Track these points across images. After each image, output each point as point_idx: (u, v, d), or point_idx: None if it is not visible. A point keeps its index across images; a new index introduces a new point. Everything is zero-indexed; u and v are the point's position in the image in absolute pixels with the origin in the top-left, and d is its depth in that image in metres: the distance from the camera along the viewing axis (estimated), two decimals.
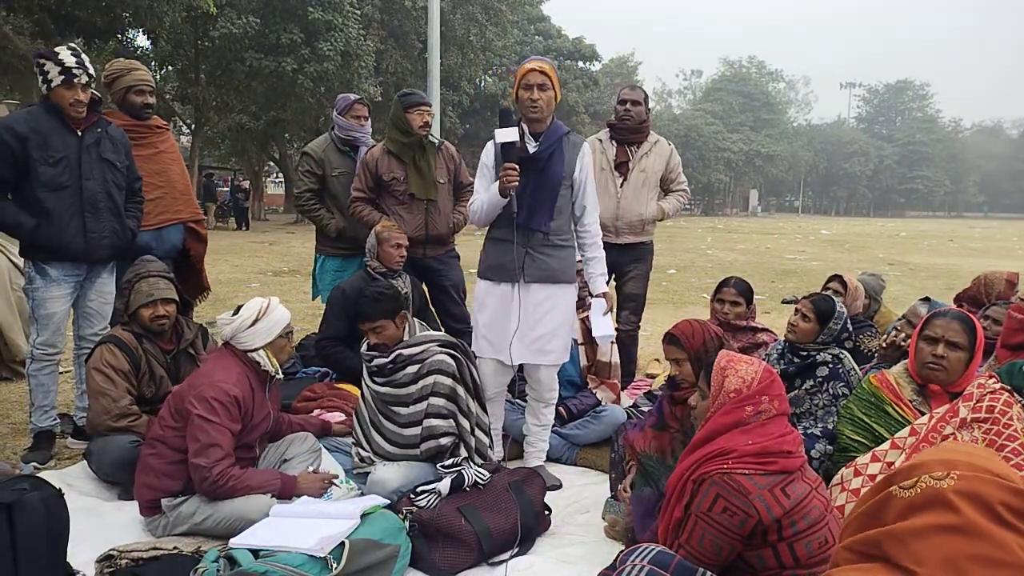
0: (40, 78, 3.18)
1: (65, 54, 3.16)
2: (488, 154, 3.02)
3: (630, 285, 4.39)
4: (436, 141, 4.18)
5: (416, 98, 4.03)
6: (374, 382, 2.92)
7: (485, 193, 2.97)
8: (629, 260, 4.36)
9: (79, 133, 3.25)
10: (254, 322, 2.69)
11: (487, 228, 3.10)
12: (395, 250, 3.73)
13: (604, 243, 4.28)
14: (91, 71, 3.24)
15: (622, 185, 4.23)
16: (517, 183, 2.81)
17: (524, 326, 2.97)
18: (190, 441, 2.53)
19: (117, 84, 3.57)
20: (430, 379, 2.81)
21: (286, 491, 2.64)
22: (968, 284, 4.17)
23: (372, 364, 2.91)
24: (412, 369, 2.82)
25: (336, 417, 3.43)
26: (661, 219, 4.36)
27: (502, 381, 3.17)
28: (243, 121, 24.17)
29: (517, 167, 2.81)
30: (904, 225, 42.49)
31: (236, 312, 2.73)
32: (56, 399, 3.51)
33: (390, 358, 2.87)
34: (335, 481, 2.82)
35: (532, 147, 2.93)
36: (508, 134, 2.82)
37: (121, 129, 3.49)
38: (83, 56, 3.22)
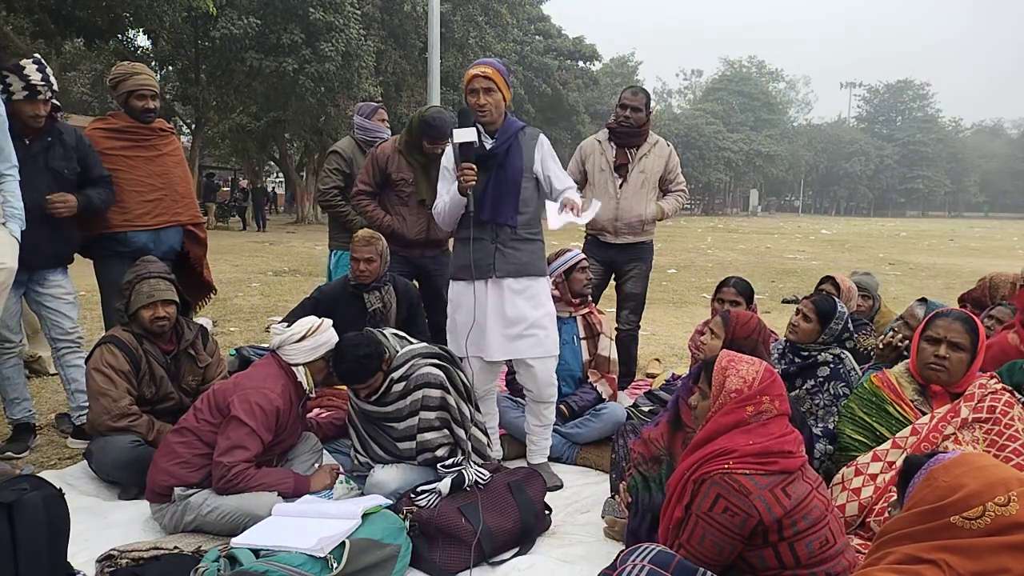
0: (0, 87, 3.14)
1: (31, 69, 3.14)
2: (448, 158, 3.07)
3: (630, 284, 4.40)
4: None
5: (439, 135, 3.85)
6: (363, 402, 2.86)
7: (447, 195, 3.01)
8: (629, 260, 4.36)
9: (27, 141, 3.24)
10: (301, 338, 2.77)
11: (455, 230, 3.10)
12: (354, 263, 3.62)
13: (604, 243, 4.34)
14: (55, 86, 3.25)
15: (621, 186, 4.24)
16: (474, 182, 2.86)
17: (501, 321, 2.97)
18: (221, 438, 2.59)
19: (120, 88, 3.56)
20: (418, 394, 2.79)
21: (299, 489, 2.69)
22: (970, 284, 4.16)
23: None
24: (399, 387, 2.80)
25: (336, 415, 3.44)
26: (660, 219, 4.37)
27: (490, 379, 3.17)
28: (243, 121, 24.17)
29: (474, 167, 2.85)
30: (904, 225, 42.52)
31: (290, 324, 2.83)
32: (27, 391, 3.53)
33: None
34: (338, 479, 2.85)
35: (489, 144, 2.96)
36: (466, 134, 2.85)
37: (80, 133, 3.46)
38: (48, 70, 3.22)
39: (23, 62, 3.16)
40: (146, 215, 3.62)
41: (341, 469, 2.95)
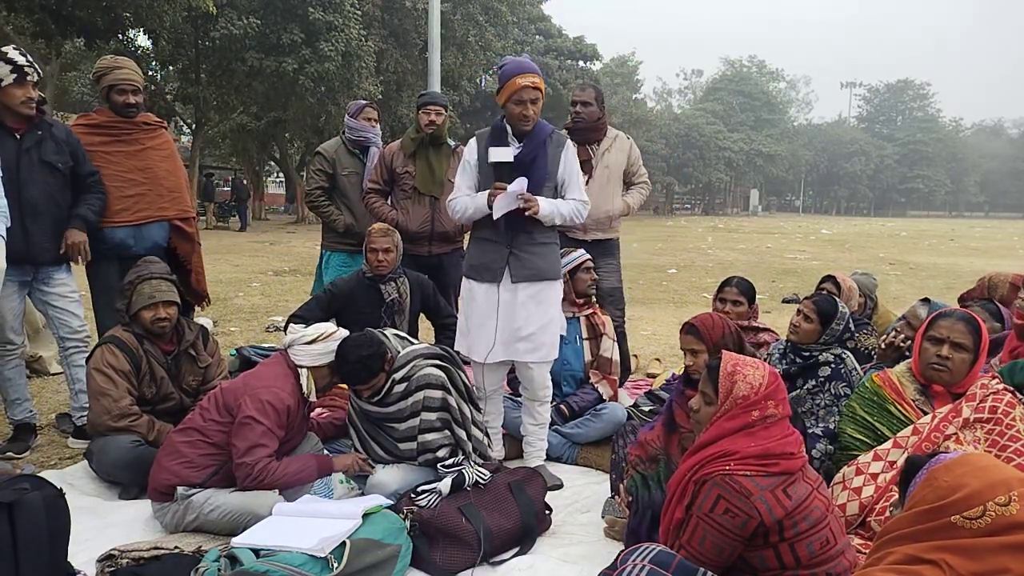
0: None
1: (14, 53, 3.13)
2: (471, 151, 3.04)
3: (606, 280, 4.40)
4: (452, 144, 4.31)
5: (426, 98, 4.21)
6: (365, 402, 2.86)
7: (468, 196, 2.99)
8: (599, 256, 4.34)
9: (18, 136, 3.22)
10: (311, 341, 2.76)
11: (472, 227, 3.11)
12: (372, 254, 3.68)
13: (574, 239, 4.31)
14: (40, 70, 3.24)
15: (587, 183, 4.22)
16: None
17: (510, 324, 2.96)
18: (238, 440, 2.57)
19: (102, 82, 3.54)
20: (419, 395, 2.78)
21: (323, 472, 2.72)
22: (970, 284, 4.15)
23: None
24: (400, 388, 2.80)
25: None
26: (626, 214, 4.39)
27: (497, 379, 3.17)
28: (244, 121, 24.18)
29: (507, 187, 2.83)
30: (905, 224, 42.47)
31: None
32: (27, 392, 3.53)
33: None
34: (339, 479, 2.85)
35: (516, 148, 2.91)
36: (502, 154, 2.84)
37: (67, 128, 3.45)
38: (28, 55, 3.22)
39: (4, 48, 3.13)
40: (125, 211, 3.57)
41: (368, 460, 2.88)
